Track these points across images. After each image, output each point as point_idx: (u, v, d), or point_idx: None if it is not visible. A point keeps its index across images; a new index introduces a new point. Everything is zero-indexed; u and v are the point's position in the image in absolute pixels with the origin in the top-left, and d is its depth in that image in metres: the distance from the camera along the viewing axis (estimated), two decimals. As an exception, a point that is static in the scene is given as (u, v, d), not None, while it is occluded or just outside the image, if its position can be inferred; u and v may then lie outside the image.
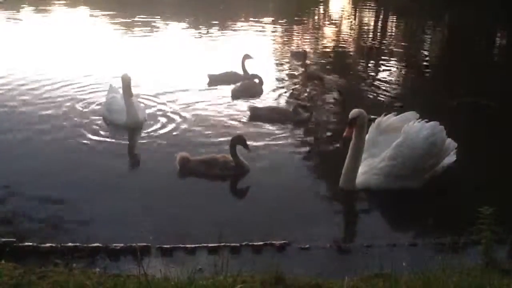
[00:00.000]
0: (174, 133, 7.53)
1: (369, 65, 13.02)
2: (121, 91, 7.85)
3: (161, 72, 10.92)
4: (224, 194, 5.90)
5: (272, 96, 9.72)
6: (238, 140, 6.14)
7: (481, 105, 8.91)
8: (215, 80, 10.27)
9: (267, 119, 8.11)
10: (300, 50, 12.87)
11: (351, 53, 14.59)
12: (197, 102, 8.96)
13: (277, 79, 10.93)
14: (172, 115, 8.26)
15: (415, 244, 4.74)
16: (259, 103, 9.05)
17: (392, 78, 11.17)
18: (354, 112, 5.73)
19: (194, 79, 10.36)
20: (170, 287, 3.17)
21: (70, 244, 4.43)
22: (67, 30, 16.00)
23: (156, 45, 14.11)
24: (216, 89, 9.93)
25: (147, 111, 8.28)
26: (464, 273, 3.53)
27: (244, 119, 8.25)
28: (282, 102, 9.32)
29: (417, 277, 3.38)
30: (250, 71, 10.40)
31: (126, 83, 7.56)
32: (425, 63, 13.41)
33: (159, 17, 18.72)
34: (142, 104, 8.25)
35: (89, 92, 9.30)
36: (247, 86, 9.69)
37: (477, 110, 8.69)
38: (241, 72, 10.50)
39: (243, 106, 8.89)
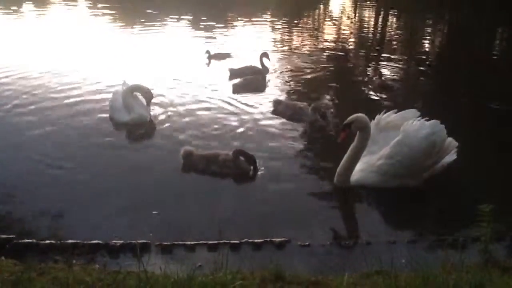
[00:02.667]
0: (184, 129, 7.57)
1: (369, 64, 12.97)
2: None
3: (172, 67, 11.11)
4: (223, 191, 5.89)
5: (275, 93, 9.74)
6: (241, 154, 6.16)
7: None
8: (236, 74, 10.43)
9: (284, 115, 8.17)
10: (342, 53, 12.84)
11: (351, 52, 14.56)
12: (209, 98, 9.06)
13: (280, 77, 10.93)
14: (183, 110, 8.37)
15: (414, 241, 4.74)
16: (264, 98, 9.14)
17: (392, 77, 11.13)
18: (350, 117, 5.75)
19: (206, 75, 10.54)
20: (170, 284, 3.16)
21: (70, 240, 4.43)
22: (71, 27, 16.06)
23: (161, 42, 14.22)
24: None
25: (162, 107, 8.43)
26: (463, 271, 3.53)
27: (252, 115, 8.28)
28: (299, 100, 9.14)
29: (417, 274, 3.37)
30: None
31: (146, 94, 7.84)
32: (424, 62, 13.36)
33: (161, 14, 18.74)
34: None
35: (96, 90, 9.33)
36: (249, 82, 9.77)
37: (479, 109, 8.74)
38: (259, 66, 10.81)
39: (259, 100, 9.01)
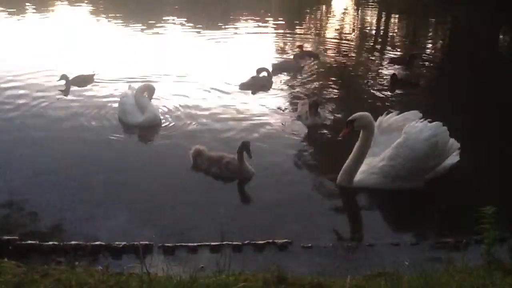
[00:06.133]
0: (191, 129, 7.63)
1: (371, 65, 12.95)
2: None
3: (174, 69, 11.11)
4: (226, 192, 5.90)
5: (279, 92, 9.81)
6: (244, 147, 6.10)
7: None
8: (279, 69, 10.97)
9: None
10: (405, 56, 12.74)
11: (353, 53, 14.54)
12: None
13: (285, 77, 10.96)
14: (190, 110, 8.45)
15: (417, 243, 4.74)
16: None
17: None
18: (354, 115, 5.75)
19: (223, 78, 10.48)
20: (172, 286, 3.16)
21: (72, 242, 4.45)
22: (77, 29, 16.07)
23: (162, 43, 14.33)
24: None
25: (170, 107, 8.51)
26: (466, 273, 3.52)
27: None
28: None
29: (420, 277, 3.36)
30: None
31: (151, 92, 7.96)
32: (426, 64, 13.35)
33: (161, 15, 18.81)
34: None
35: (100, 92, 9.37)
36: (256, 80, 9.90)
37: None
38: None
39: (265, 100, 9.13)
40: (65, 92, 9.24)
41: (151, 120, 7.62)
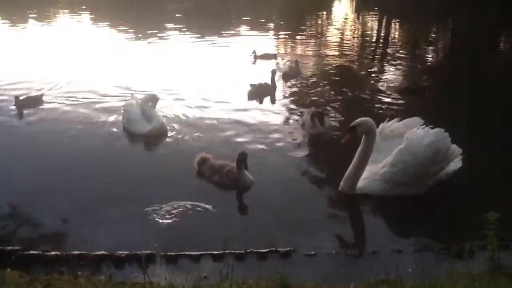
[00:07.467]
0: (197, 138, 7.62)
1: (373, 70, 12.97)
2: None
3: (178, 76, 11.23)
4: (229, 200, 5.89)
5: (283, 100, 9.89)
6: (242, 158, 6.08)
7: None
8: (288, 76, 11.17)
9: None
10: (438, 64, 12.87)
11: (356, 59, 14.58)
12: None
13: (290, 83, 11.01)
14: (195, 119, 8.49)
15: (420, 250, 4.72)
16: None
17: (396, 83, 11.13)
18: (357, 120, 5.76)
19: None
20: (175, 295, 3.17)
21: (75, 252, 4.45)
22: (72, 37, 16.16)
23: (165, 51, 14.40)
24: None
25: (175, 116, 8.55)
26: (470, 279, 3.51)
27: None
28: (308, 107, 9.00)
29: (423, 283, 3.36)
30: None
31: (155, 101, 8.01)
32: (428, 68, 13.36)
33: (163, 22, 18.90)
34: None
35: (104, 100, 9.41)
36: (261, 88, 9.98)
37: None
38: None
39: (270, 108, 9.22)
40: (18, 114, 8.59)
41: (158, 129, 7.66)
